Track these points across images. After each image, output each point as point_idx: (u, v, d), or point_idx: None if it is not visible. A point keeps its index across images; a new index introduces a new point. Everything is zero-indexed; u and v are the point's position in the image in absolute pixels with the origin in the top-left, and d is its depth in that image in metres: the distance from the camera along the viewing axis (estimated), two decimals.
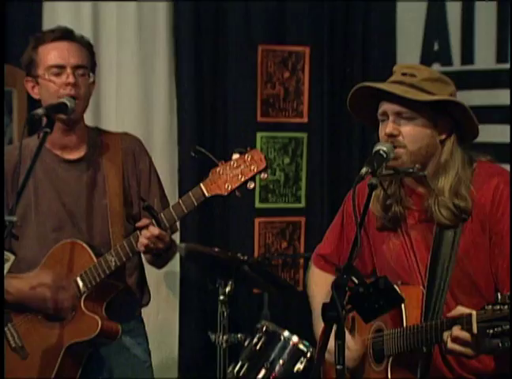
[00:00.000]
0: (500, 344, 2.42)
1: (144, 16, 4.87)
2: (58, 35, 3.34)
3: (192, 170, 4.52)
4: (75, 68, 3.28)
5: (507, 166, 2.96)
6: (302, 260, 4.99)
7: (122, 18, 4.84)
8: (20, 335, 3.32)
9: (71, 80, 3.25)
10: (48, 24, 4.45)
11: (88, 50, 3.40)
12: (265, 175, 3.10)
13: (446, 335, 2.58)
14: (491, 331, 2.42)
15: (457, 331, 2.53)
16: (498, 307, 2.42)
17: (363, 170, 2.65)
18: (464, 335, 2.51)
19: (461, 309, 2.56)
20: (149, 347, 3.58)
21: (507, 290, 2.55)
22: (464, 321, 2.51)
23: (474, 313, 2.47)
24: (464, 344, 2.52)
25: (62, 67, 3.27)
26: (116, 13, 4.83)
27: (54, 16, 4.65)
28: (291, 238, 5.10)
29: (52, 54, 3.29)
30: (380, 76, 2.88)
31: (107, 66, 4.35)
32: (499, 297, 2.43)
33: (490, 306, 2.44)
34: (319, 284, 3.13)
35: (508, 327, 2.38)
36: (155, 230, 3.12)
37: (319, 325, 2.90)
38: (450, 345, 2.56)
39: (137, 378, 3.50)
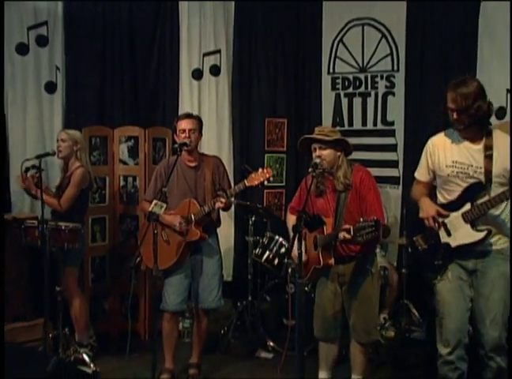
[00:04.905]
0: (359, 239, 2.47)
1: (218, 105, 4.77)
2: (185, 116, 3.34)
3: (240, 174, 4.47)
4: (190, 130, 3.26)
5: (369, 168, 2.96)
6: (284, 208, 4.93)
7: (209, 103, 4.76)
8: (167, 235, 3.32)
9: (187, 135, 3.24)
10: (181, 110, 4.45)
11: (199, 121, 3.36)
12: (271, 179, 3.14)
13: (341, 235, 2.62)
14: (358, 233, 2.47)
15: (342, 233, 2.58)
16: (360, 224, 2.47)
17: (309, 170, 2.72)
18: (345, 234, 2.56)
19: (347, 226, 2.59)
20: (220, 244, 3.52)
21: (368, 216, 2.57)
22: (348, 230, 2.54)
23: (351, 227, 2.53)
24: (346, 238, 2.57)
25: (184, 130, 3.26)
26: (208, 100, 4.75)
27: (183, 107, 4.61)
28: (279, 199, 5.03)
29: (182, 124, 3.28)
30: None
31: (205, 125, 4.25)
32: (361, 220, 2.48)
33: (357, 224, 2.49)
34: (290, 219, 3.10)
35: (364, 231, 2.42)
36: (224, 199, 3.14)
37: (291, 233, 2.89)
38: (341, 239, 2.61)
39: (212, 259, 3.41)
